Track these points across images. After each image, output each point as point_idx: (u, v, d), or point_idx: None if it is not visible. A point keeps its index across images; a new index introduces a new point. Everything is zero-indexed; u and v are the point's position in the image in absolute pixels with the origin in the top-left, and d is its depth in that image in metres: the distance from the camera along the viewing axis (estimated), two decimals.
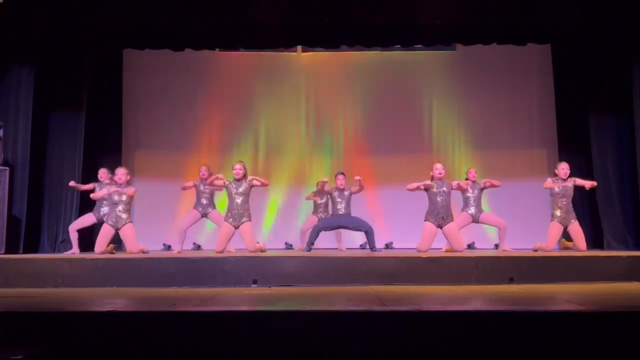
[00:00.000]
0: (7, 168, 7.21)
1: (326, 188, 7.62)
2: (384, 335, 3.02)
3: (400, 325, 3.09)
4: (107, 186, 7.13)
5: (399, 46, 8.64)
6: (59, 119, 8.02)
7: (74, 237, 7.35)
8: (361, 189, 7.39)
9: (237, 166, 6.84)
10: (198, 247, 8.83)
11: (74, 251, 7.29)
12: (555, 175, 7.11)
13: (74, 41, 7.92)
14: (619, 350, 2.94)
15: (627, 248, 7.53)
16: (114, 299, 4.37)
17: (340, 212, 7.35)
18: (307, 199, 8.51)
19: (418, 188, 6.84)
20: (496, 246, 8.36)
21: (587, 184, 7.07)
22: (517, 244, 7.73)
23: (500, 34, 7.93)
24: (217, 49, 9.03)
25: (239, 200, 6.73)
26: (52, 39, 7.74)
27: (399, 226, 8.67)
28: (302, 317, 3.28)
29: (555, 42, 8.68)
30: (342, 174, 7.55)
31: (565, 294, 4.31)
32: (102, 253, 6.55)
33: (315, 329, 3.06)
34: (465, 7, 7.37)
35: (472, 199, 7.33)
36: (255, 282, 5.37)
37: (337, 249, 8.10)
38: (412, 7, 7.33)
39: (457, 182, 7.11)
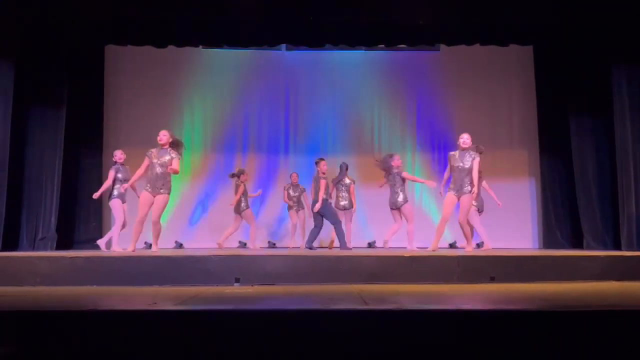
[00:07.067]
0: None
1: None
2: (366, 334, 3.03)
3: (383, 324, 3.10)
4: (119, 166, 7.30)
5: (383, 46, 8.67)
6: (39, 117, 7.88)
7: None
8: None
9: (162, 133, 6.61)
10: (180, 246, 8.80)
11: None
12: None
13: (55, 37, 7.81)
14: (596, 349, 2.98)
15: (606, 248, 7.61)
16: (93, 297, 4.32)
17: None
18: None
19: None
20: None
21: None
22: (498, 244, 7.82)
23: (483, 35, 8.00)
24: (201, 46, 8.98)
25: (159, 170, 6.50)
26: (32, 35, 7.62)
27: (383, 226, 8.67)
28: (284, 316, 3.28)
29: (537, 44, 8.79)
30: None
31: (543, 293, 4.36)
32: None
33: (297, 328, 3.06)
34: (448, 8, 7.42)
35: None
36: (237, 280, 5.34)
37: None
38: (396, 7, 7.37)
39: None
